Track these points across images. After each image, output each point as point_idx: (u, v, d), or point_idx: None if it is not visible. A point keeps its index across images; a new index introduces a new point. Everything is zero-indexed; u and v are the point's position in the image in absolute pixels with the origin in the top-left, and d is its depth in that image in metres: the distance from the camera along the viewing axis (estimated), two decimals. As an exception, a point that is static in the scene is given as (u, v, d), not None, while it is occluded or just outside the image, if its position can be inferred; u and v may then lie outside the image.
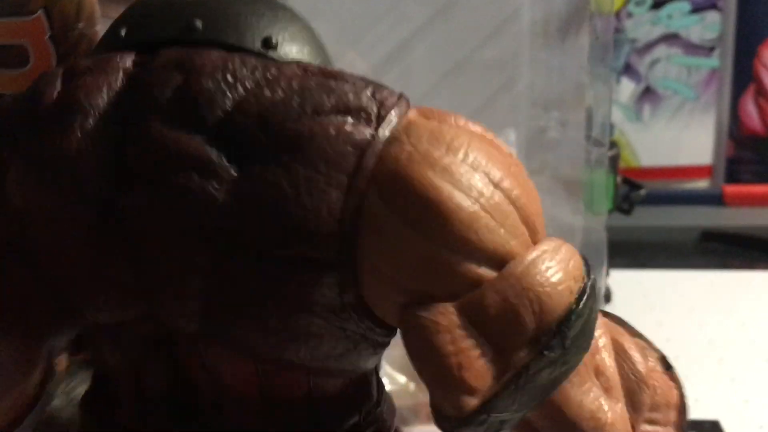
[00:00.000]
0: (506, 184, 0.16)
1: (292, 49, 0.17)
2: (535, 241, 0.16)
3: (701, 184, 0.84)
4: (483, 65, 0.37)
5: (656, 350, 0.20)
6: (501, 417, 0.15)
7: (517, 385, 0.15)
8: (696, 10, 0.83)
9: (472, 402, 0.15)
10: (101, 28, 0.25)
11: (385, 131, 0.16)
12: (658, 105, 0.86)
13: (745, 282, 0.60)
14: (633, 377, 0.17)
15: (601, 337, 0.17)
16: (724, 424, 0.41)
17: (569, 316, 0.15)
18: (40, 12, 0.23)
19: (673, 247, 0.70)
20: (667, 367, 0.20)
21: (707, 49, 0.84)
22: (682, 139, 0.86)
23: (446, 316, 0.15)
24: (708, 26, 0.83)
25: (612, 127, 0.86)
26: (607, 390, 0.16)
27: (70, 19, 0.24)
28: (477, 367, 0.15)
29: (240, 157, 0.15)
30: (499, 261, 0.15)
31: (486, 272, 0.15)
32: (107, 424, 0.19)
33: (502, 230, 0.15)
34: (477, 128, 0.17)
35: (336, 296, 0.15)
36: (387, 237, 0.15)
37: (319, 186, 0.15)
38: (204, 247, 0.15)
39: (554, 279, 0.15)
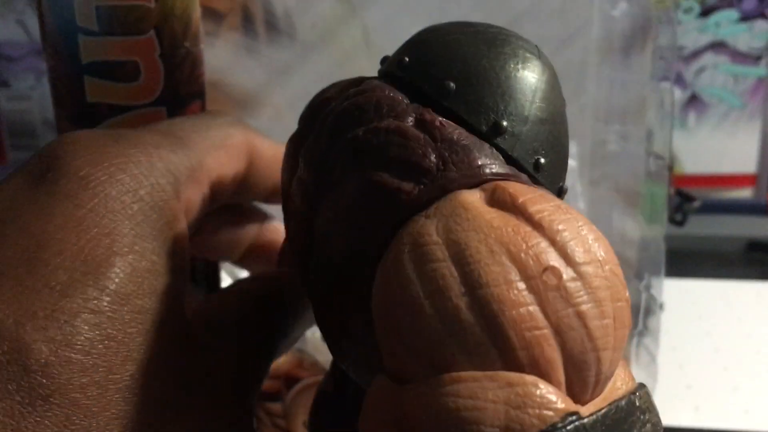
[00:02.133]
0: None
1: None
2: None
3: (745, 192, 0.84)
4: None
5: None
6: None
7: None
8: (744, 18, 0.83)
9: None
10: (204, 47, 0.27)
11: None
12: (703, 113, 0.86)
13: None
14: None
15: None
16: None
17: None
18: (151, 32, 0.25)
19: (720, 257, 0.71)
20: None
21: (754, 58, 0.84)
22: (727, 147, 0.86)
23: None
24: (756, 35, 0.83)
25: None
26: None
27: (177, 38, 0.25)
28: None
29: None
30: None
31: None
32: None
33: None
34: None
35: None
36: None
37: None
38: None
39: None
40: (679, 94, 0.86)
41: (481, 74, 0.16)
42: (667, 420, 0.43)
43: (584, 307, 0.12)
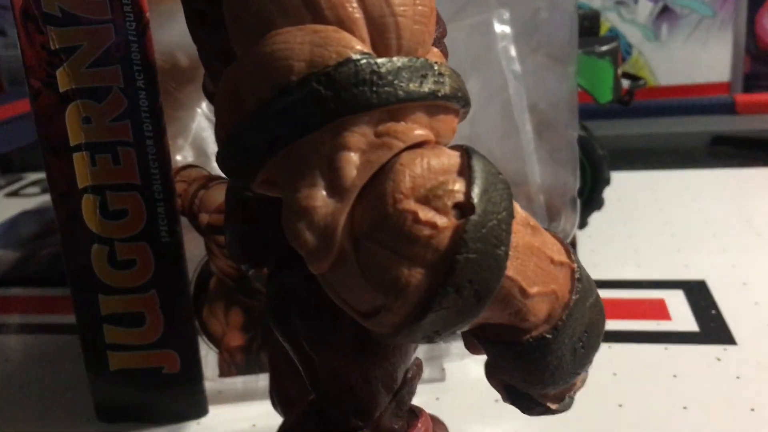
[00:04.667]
0: None
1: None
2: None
3: (717, 97, 0.86)
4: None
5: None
6: None
7: None
8: (713, -72, 0.84)
9: None
10: None
11: None
12: (675, 24, 0.88)
13: (748, 177, 0.63)
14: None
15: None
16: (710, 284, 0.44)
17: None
18: None
19: (685, 152, 0.73)
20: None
21: (724, -33, 0.85)
22: (700, 56, 0.87)
23: None
24: (725, -56, 0.84)
25: (630, 47, 0.88)
26: None
27: None
28: None
29: None
30: None
31: None
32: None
33: None
34: None
35: None
36: None
37: None
38: None
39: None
40: (650, 7, 0.88)
41: None
42: (612, 275, 0.46)
43: (384, -20, 0.15)
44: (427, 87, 0.15)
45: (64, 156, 0.31)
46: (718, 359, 0.36)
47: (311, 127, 0.14)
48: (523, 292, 0.15)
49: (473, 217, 0.14)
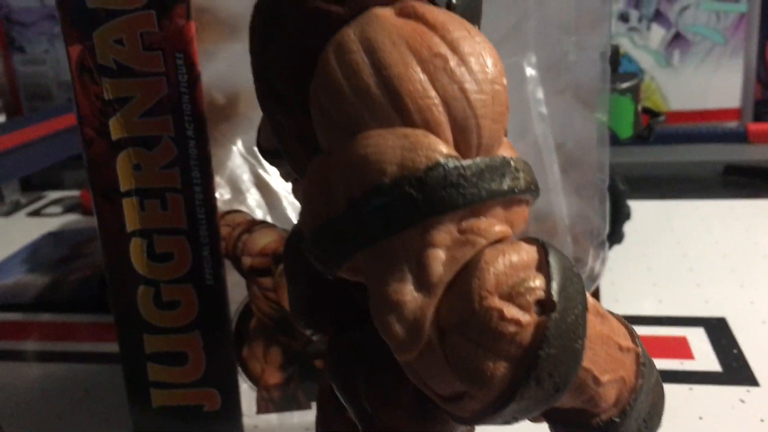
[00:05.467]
0: None
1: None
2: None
3: (730, 126, 0.87)
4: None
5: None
6: None
7: None
8: (725, -44, 0.85)
9: None
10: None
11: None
12: (687, 50, 0.89)
13: (761, 209, 0.64)
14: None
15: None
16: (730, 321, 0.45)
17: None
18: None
19: (697, 181, 0.74)
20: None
21: (736, -5, 0.87)
22: (711, 83, 0.88)
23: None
24: (737, -28, 0.85)
25: (642, 71, 0.90)
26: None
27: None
28: None
29: None
30: None
31: None
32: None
33: None
34: None
35: None
36: None
37: None
38: None
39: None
40: (663, 33, 0.89)
41: None
42: (633, 310, 0.47)
43: (466, 85, 0.16)
44: (506, 185, 0.16)
45: (115, 201, 0.32)
46: (742, 401, 0.37)
47: (402, 226, 0.15)
48: (596, 380, 0.16)
49: (554, 315, 0.15)
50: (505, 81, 0.17)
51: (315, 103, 0.17)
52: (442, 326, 0.15)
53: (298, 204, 0.45)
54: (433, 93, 0.16)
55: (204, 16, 0.41)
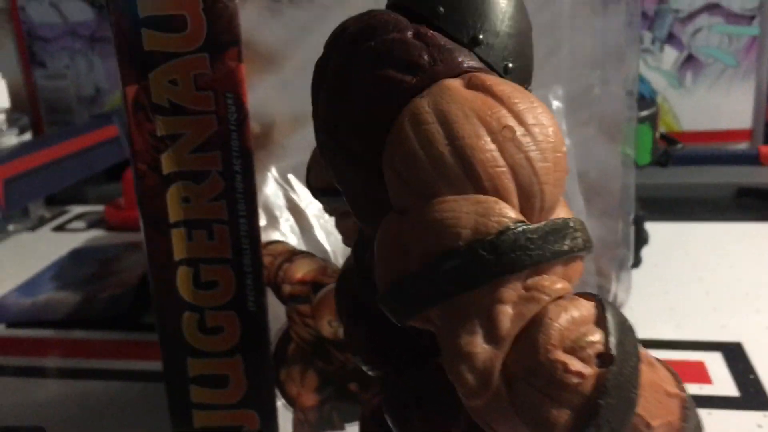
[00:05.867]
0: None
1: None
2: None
3: (741, 147, 0.89)
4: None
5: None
6: None
7: None
8: (737, -20, 0.87)
9: None
10: (239, 2, 0.32)
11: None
12: (700, 72, 0.90)
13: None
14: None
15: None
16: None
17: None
18: (197, -12, 0.30)
19: (711, 203, 0.75)
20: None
21: (748, 18, 0.88)
22: (723, 104, 0.90)
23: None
24: (749, -4, 0.87)
25: (655, 92, 0.91)
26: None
27: (217, -6, 0.31)
28: None
29: None
30: None
31: None
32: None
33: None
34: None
35: None
36: None
37: None
38: None
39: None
40: (676, 55, 0.91)
41: (464, 0, 0.21)
42: (651, 334, 0.48)
43: (532, 154, 0.17)
44: (566, 245, 0.17)
45: (164, 231, 0.34)
46: (759, 426, 0.38)
47: (474, 285, 0.17)
48: (647, 425, 0.17)
49: (613, 368, 0.16)
50: (564, 148, 0.18)
51: (389, 166, 0.18)
52: (509, 376, 0.17)
53: (328, 229, 0.47)
54: (502, 162, 0.17)
55: (243, 49, 0.43)
